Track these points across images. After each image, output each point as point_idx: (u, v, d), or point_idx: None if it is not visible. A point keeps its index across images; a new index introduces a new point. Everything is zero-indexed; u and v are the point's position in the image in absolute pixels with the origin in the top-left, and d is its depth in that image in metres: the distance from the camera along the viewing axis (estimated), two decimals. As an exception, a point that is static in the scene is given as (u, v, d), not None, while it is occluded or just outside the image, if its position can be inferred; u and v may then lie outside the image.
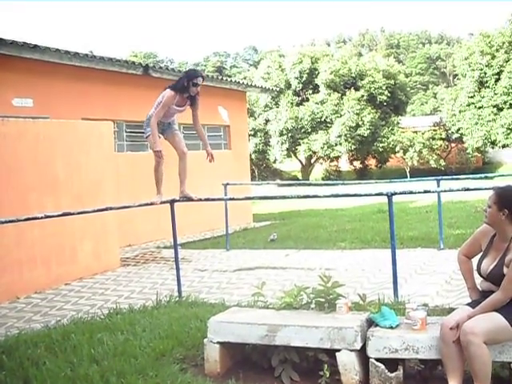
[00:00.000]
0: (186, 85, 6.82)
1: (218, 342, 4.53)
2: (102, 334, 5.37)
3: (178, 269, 7.28)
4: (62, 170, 9.11)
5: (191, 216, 12.80)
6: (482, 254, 4.18)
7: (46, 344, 5.25)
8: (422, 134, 35.81)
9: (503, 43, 32.10)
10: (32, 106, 10.65)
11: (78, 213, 7.10)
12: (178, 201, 7.27)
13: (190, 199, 7.25)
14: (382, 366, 4.07)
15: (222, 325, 4.57)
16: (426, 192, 7.21)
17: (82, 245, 9.40)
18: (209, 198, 7.44)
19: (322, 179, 37.76)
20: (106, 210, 7.62)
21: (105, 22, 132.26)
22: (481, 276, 4.11)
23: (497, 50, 32.21)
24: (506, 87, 30.81)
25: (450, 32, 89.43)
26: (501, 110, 31.37)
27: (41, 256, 8.62)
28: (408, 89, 43.14)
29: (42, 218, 6.55)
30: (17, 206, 7.98)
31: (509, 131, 30.55)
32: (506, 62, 31.41)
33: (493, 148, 34.12)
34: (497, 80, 31.73)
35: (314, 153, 36.55)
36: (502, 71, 31.43)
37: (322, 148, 35.23)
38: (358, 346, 4.14)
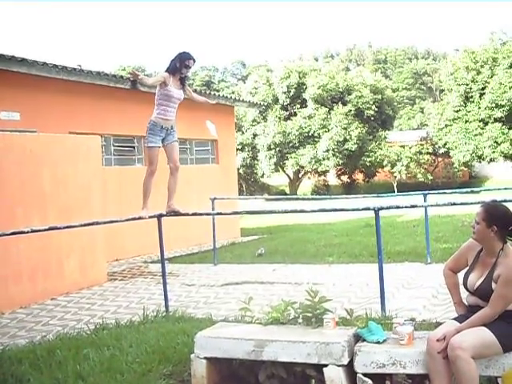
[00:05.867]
0: (179, 66, 6.93)
1: (204, 358, 4.50)
2: (88, 350, 5.31)
3: (165, 283, 7.24)
4: (48, 184, 9.06)
5: (178, 230, 12.76)
6: (468, 268, 4.19)
7: (30, 360, 5.19)
8: (410, 148, 36.03)
9: (487, 59, 32.51)
10: (19, 119, 10.62)
11: (65, 227, 7.06)
12: (166, 215, 7.24)
13: (177, 214, 7.23)
14: (370, 381, 4.06)
15: (208, 340, 4.54)
16: (412, 207, 7.24)
17: (68, 259, 9.34)
18: (196, 213, 7.43)
19: (311, 194, 37.81)
20: (92, 224, 7.59)
21: (93, 36, 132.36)
22: (467, 291, 4.13)
23: (481, 66, 32.60)
24: (489, 102, 31.15)
25: (436, 48, 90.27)
26: (486, 124, 31.69)
27: (27, 271, 8.55)
28: (395, 103, 43.40)
29: (28, 232, 6.51)
30: (3, 220, 7.91)
31: (496, 145, 30.84)
32: (490, 77, 31.78)
33: (480, 162, 34.39)
34: (481, 95, 32.07)
35: (302, 167, 36.62)
36: (486, 86, 31.79)
37: (309, 162, 35.31)
38: (346, 361, 4.12)
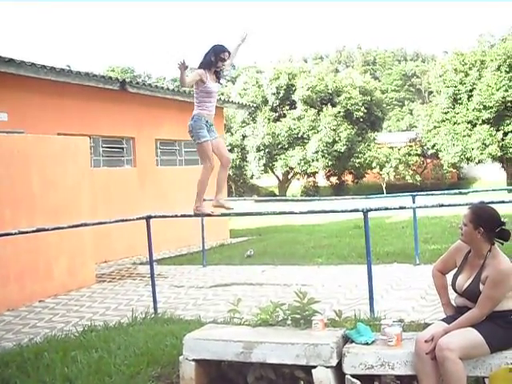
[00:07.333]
0: (214, 60, 6.60)
1: (193, 360, 4.49)
2: (76, 352, 5.29)
3: (153, 285, 7.22)
4: (36, 185, 9.01)
5: (167, 232, 12.74)
6: (456, 270, 4.21)
7: (17, 363, 5.16)
8: (398, 149, 36.17)
9: (475, 61, 32.69)
10: (7, 120, 10.55)
11: (53, 229, 7.02)
12: (154, 217, 7.22)
13: (224, 207, 7.04)
14: (358, 383, 4.07)
15: (197, 342, 4.53)
16: (401, 208, 7.26)
17: (56, 261, 9.29)
18: (185, 215, 7.39)
19: (301, 195, 37.87)
20: (81, 225, 7.57)
21: (82, 37, 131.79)
22: (456, 292, 4.14)
23: (469, 68, 32.77)
24: (477, 103, 31.34)
25: (424, 50, 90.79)
26: (474, 125, 31.88)
27: (14, 273, 8.50)
28: (384, 105, 43.57)
29: (15, 234, 6.47)
30: (-10, 221, 7.87)
31: (484, 146, 31.03)
32: (478, 79, 31.97)
33: (468, 164, 34.58)
34: (470, 97, 32.25)
35: (291, 168, 36.68)
36: (474, 88, 31.97)
37: (298, 164, 35.37)
38: (334, 362, 4.13)
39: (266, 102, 36.97)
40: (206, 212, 7.06)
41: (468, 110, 32.08)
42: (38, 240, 8.45)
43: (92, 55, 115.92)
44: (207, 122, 6.73)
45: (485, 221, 4.01)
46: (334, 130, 34.67)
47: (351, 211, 6.94)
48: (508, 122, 30.94)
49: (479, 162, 32.57)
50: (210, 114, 6.78)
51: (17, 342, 6.22)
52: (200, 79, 6.54)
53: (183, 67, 6.14)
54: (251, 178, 39.86)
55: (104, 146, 13.19)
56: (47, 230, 6.91)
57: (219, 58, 6.61)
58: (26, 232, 6.60)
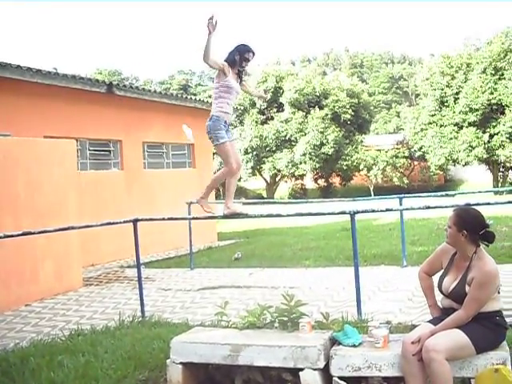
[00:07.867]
0: (238, 59, 6.40)
1: (180, 363, 4.49)
2: (62, 357, 5.25)
3: (141, 288, 7.19)
4: (23, 188, 8.95)
5: (155, 235, 12.70)
6: (443, 271, 4.24)
7: (2, 368, 5.11)
8: (386, 152, 36.29)
9: (462, 64, 32.88)
10: (-8, 123, 10.48)
11: (39, 232, 6.98)
12: (141, 220, 7.19)
13: (238, 215, 6.90)
14: (345, 385, 4.08)
15: (184, 345, 4.52)
16: (388, 210, 7.27)
17: (43, 265, 9.23)
18: (172, 218, 7.38)
19: (288, 197, 37.90)
20: (67, 229, 7.51)
21: (70, 39, 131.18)
22: (442, 293, 4.17)
23: (456, 71, 32.96)
24: (464, 106, 31.54)
25: (411, 52, 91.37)
26: (461, 128, 32.06)
27: (0, 277, 8.43)
28: (371, 108, 43.70)
29: (1, 237, 6.42)
30: (-25, 225, 7.80)
31: (470, 149, 31.21)
32: (464, 82, 32.16)
33: (454, 166, 34.78)
34: (456, 99, 32.44)
35: (279, 171, 36.73)
36: (460, 91, 32.16)
37: (286, 166, 35.44)
38: (321, 364, 4.14)
39: (253, 104, 37.00)
40: (207, 210, 6.88)
41: (454, 112, 32.25)
42: (25, 243, 8.39)
43: (79, 58, 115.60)
44: (225, 122, 6.46)
45: (469, 223, 4.03)
46: (321, 132, 34.76)
47: (338, 213, 6.95)
48: (494, 124, 31.14)
49: (466, 164, 32.76)
50: (229, 113, 6.52)
51: (2, 346, 6.16)
52: (223, 70, 6.29)
53: (212, 27, 5.90)
54: (239, 180, 39.75)
55: (91, 148, 13.13)
56: (33, 233, 6.86)
57: (243, 57, 6.42)
58: (12, 236, 6.54)
